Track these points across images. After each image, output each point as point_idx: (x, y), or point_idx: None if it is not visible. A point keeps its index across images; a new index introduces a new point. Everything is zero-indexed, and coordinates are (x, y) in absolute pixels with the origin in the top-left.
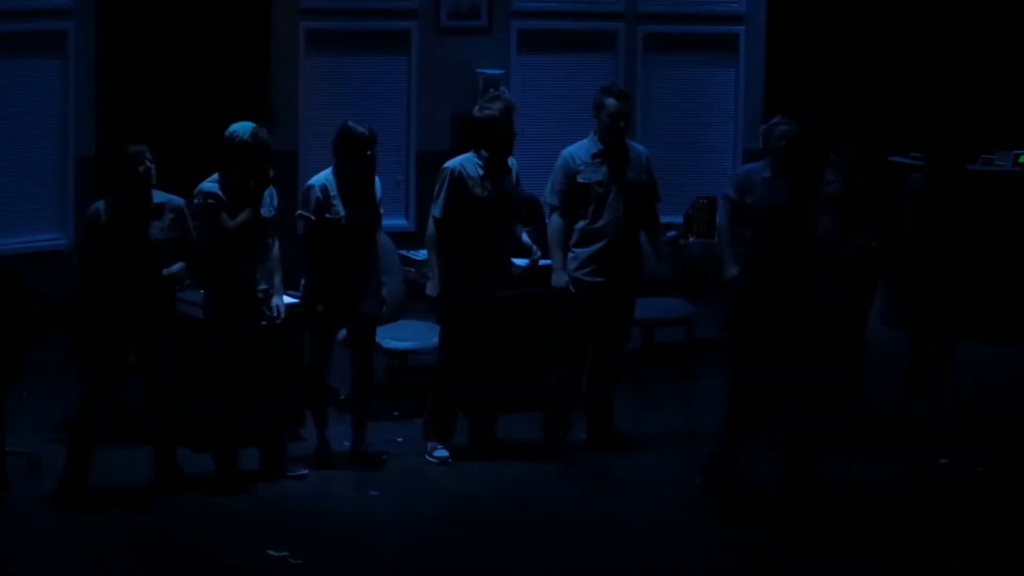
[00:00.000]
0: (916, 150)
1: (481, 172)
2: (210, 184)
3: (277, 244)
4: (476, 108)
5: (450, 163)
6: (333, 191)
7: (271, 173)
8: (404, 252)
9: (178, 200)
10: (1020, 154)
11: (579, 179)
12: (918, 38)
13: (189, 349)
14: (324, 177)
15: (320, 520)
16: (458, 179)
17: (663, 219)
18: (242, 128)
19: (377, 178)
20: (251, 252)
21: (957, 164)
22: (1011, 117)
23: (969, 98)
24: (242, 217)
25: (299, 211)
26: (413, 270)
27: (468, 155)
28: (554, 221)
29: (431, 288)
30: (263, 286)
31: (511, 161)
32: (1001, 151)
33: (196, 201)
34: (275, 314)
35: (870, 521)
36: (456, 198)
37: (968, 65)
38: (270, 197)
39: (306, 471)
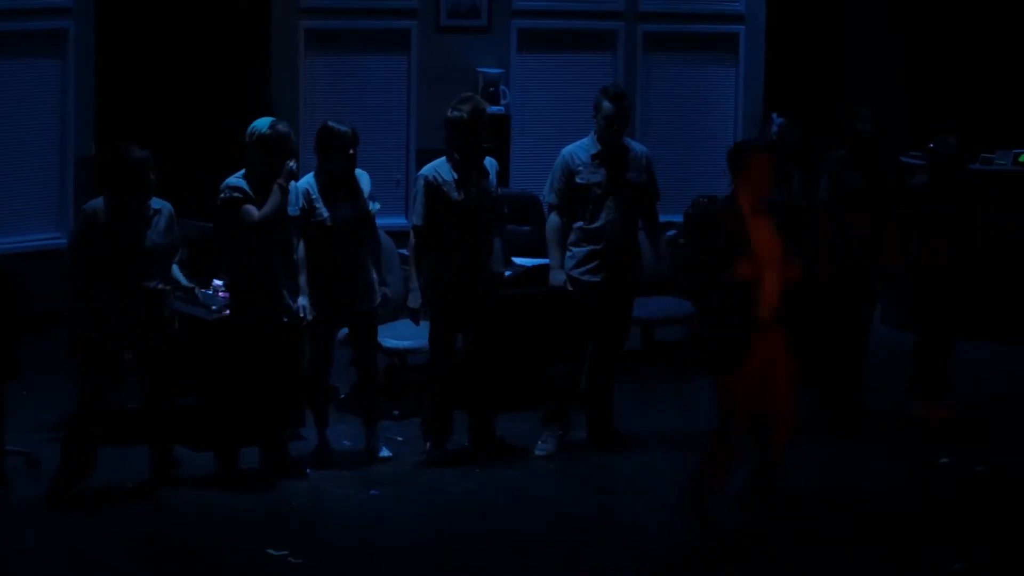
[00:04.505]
0: (916, 150)
1: (456, 176)
2: (236, 179)
3: (302, 244)
4: (449, 110)
5: (424, 170)
6: (315, 193)
7: (294, 166)
8: (403, 251)
9: (168, 205)
10: (1020, 153)
11: (578, 180)
12: (918, 38)
13: (188, 348)
14: (306, 181)
15: (320, 520)
16: (433, 185)
17: (663, 218)
18: (261, 123)
19: (364, 172)
20: (275, 248)
21: (958, 164)
22: (1011, 117)
23: (969, 98)
24: (267, 209)
25: None
26: None
27: (441, 160)
28: (552, 220)
29: (413, 300)
30: (288, 284)
31: (490, 162)
32: (1001, 150)
33: (223, 195)
34: (301, 314)
35: (870, 521)
36: (434, 204)
37: (968, 65)
38: (295, 196)
39: (307, 470)
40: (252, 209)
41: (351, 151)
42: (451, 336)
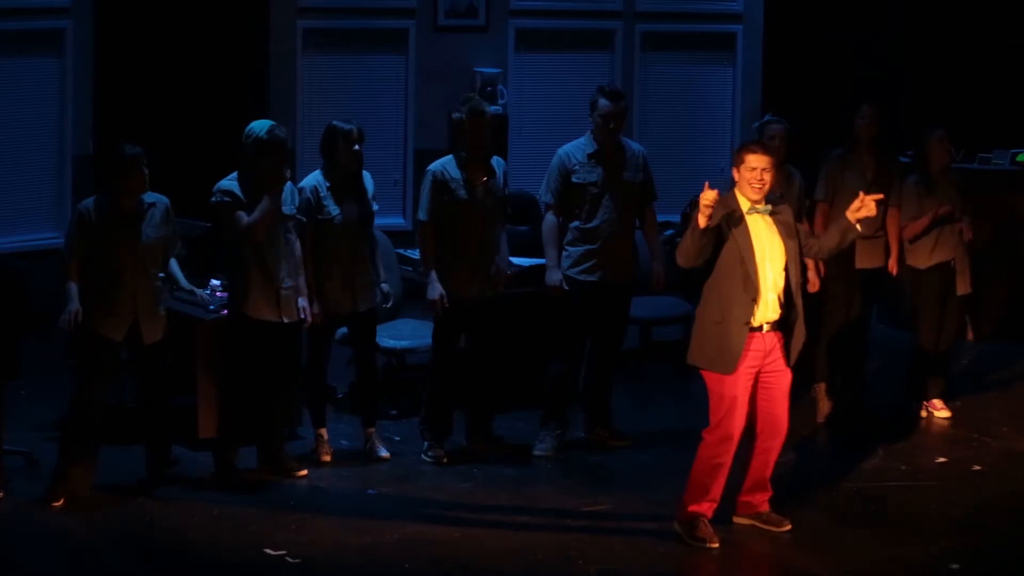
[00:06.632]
0: (914, 149)
1: (462, 173)
2: (228, 182)
3: (299, 244)
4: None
5: (432, 165)
6: (324, 191)
7: (287, 171)
8: (401, 251)
9: (164, 199)
10: (1018, 153)
11: (574, 179)
12: (917, 37)
13: (186, 347)
14: (314, 178)
15: (318, 520)
16: (440, 181)
17: (660, 218)
18: (259, 126)
19: (367, 173)
20: (271, 249)
21: (945, 160)
22: (1010, 117)
23: (967, 98)
24: (256, 214)
25: None
26: (411, 269)
27: (450, 156)
28: (548, 219)
29: (432, 292)
30: (288, 284)
31: (497, 161)
32: (999, 150)
33: (214, 199)
34: (302, 315)
35: (868, 520)
36: (440, 200)
37: (966, 65)
38: (291, 195)
39: (304, 470)
40: (242, 215)
41: (356, 148)
42: (455, 334)
